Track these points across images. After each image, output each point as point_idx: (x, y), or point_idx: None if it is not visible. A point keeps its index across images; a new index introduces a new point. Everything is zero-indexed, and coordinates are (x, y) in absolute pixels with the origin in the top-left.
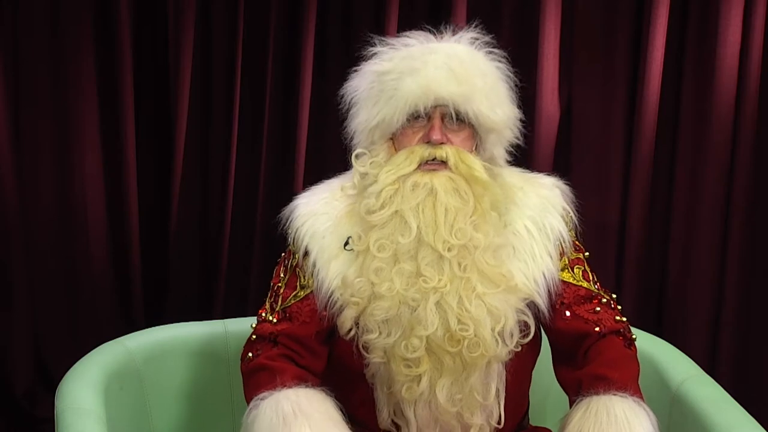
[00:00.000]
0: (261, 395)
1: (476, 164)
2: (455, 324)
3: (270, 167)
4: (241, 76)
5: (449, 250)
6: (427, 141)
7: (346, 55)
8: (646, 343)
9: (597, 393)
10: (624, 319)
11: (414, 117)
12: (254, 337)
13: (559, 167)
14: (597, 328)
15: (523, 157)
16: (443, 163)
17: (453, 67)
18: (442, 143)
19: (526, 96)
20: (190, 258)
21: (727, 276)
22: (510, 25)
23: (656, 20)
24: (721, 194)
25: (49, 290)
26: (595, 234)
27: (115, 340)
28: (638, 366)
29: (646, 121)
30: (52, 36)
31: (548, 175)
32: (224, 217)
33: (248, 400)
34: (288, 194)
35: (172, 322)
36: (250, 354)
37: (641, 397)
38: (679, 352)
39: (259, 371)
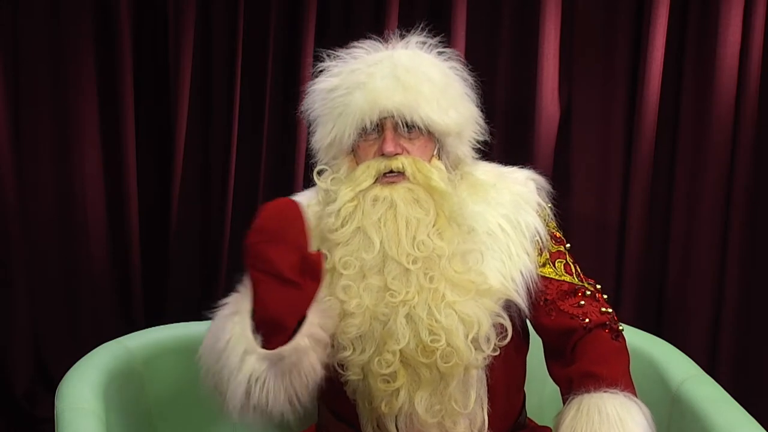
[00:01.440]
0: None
1: (433, 173)
2: (426, 335)
3: (270, 167)
4: (241, 76)
5: (414, 262)
6: (382, 153)
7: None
8: (646, 343)
9: (588, 391)
10: (610, 309)
11: (365, 131)
12: None
13: (559, 167)
14: (582, 323)
15: (522, 157)
16: (401, 173)
17: (398, 76)
18: (396, 154)
19: (527, 96)
20: (190, 258)
21: (727, 276)
22: (510, 25)
23: (656, 20)
24: (721, 194)
25: (49, 290)
26: (595, 234)
27: (115, 340)
28: (627, 357)
29: (646, 121)
30: (52, 36)
31: (522, 167)
32: (224, 217)
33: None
34: (288, 194)
35: (172, 322)
36: None
37: (633, 391)
38: (679, 352)
39: None
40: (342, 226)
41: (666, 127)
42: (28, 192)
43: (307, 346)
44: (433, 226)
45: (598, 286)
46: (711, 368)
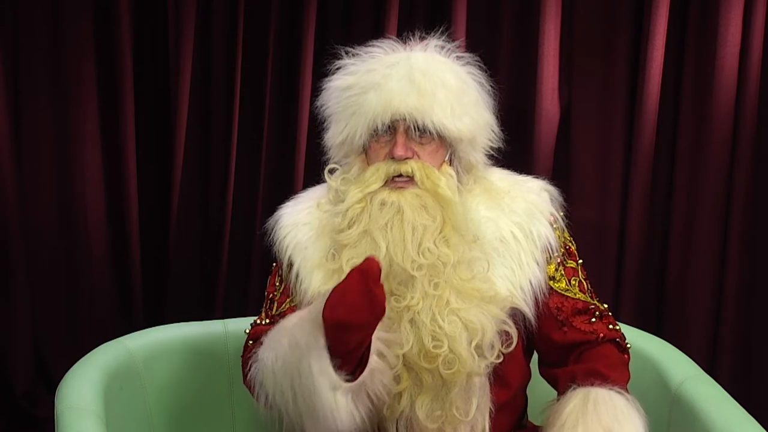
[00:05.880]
0: (255, 353)
1: (441, 180)
2: (429, 341)
3: (270, 167)
4: (241, 76)
5: (418, 269)
6: (392, 157)
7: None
8: (646, 343)
9: (593, 385)
10: (618, 327)
11: (377, 132)
12: (251, 342)
13: (559, 167)
14: (593, 338)
15: (522, 157)
16: (410, 178)
17: (414, 79)
18: (407, 158)
19: (527, 96)
20: (190, 258)
21: (727, 276)
22: (510, 25)
23: (656, 20)
24: (721, 194)
25: (49, 290)
26: (595, 234)
27: (115, 340)
28: (629, 374)
29: (646, 121)
30: (52, 36)
31: (537, 177)
32: (224, 218)
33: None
34: (288, 194)
35: (172, 322)
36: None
37: (635, 401)
38: (679, 352)
39: (253, 353)
40: (349, 227)
41: (666, 127)
42: (28, 192)
43: (379, 365)
44: (440, 233)
45: (606, 305)
46: (711, 368)
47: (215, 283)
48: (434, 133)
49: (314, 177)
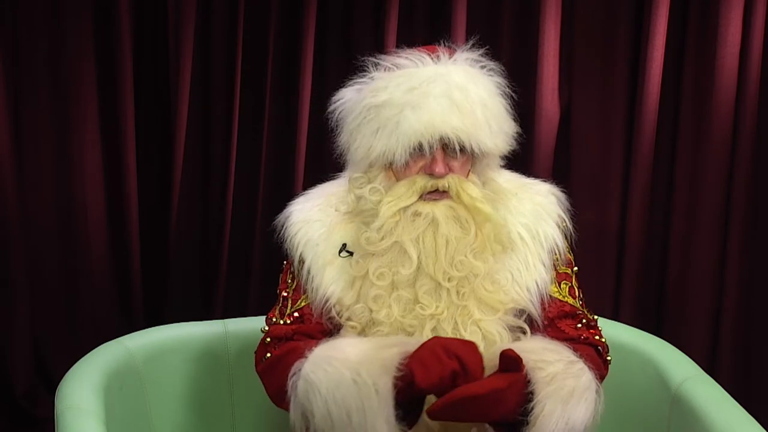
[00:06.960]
0: (297, 366)
1: (478, 193)
2: None
3: (270, 167)
4: (241, 76)
5: (449, 280)
6: (429, 173)
7: (346, 55)
8: (646, 343)
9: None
10: (604, 340)
11: (418, 151)
12: (269, 339)
13: (558, 167)
14: (578, 338)
15: (522, 157)
16: (445, 192)
17: (454, 98)
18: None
19: (527, 96)
20: (190, 258)
21: (727, 276)
22: (510, 25)
23: (656, 20)
24: (721, 194)
25: (49, 290)
26: (594, 234)
27: (115, 340)
28: (601, 380)
29: (646, 121)
30: (52, 36)
31: (544, 181)
32: (224, 218)
33: (279, 384)
34: (288, 194)
35: (172, 322)
36: (269, 354)
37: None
38: (679, 352)
39: (283, 357)
40: (381, 240)
41: (666, 127)
42: (28, 192)
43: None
44: (472, 245)
45: (595, 317)
46: (711, 368)
47: (215, 283)
48: (473, 151)
49: (314, 177)
